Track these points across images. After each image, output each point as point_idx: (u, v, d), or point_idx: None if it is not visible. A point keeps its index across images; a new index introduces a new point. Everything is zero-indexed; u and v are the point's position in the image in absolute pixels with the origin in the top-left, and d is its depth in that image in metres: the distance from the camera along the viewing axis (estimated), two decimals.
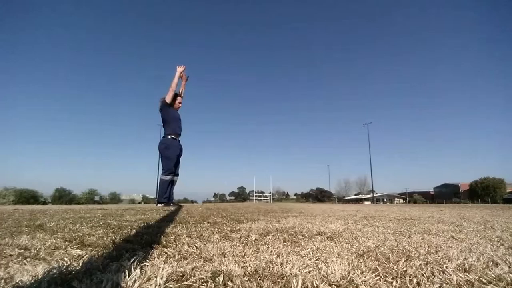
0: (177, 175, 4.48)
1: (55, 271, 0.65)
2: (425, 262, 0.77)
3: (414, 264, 0.74)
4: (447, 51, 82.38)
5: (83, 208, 5.24)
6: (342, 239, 1.18)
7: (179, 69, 4.33)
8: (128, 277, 0.60)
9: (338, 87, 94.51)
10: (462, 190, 47.37)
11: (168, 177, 4.27)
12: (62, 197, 35.73)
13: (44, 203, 31.19)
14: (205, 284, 0.59)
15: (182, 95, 4.55)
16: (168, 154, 4.24)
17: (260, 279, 0.61)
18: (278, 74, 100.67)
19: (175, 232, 1.32)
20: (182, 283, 0.59)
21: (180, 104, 4.49)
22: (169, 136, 4.29)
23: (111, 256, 0.82)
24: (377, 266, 0.72)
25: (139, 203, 40.71)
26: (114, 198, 42.48)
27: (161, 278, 0.60)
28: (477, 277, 0.63)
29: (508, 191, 39.83)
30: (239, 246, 0.99)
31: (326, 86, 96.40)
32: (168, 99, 4.24)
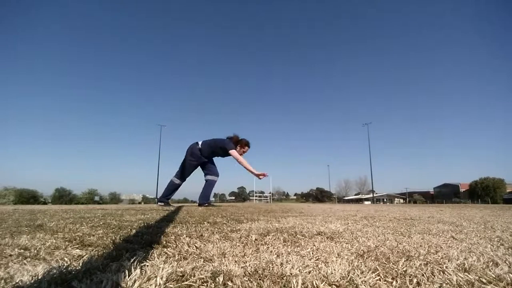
0: (216, 175, 4.52)
1: (55, 271, 0.65)
2: (425, 262, 0.77)
3: (414, 264, 0.74)
4: (447, 51, 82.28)
5: (83, 208, 5.24)
6: (342, 239, 1.18)
7: (260, 174, 4.24)
8: (128, 277, 0.60)
9: (338, 86, 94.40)
10: (462, 190, 47.34)
11: (178, 181, 4.41)
12: (62, 197, 35.69)
13: (44, 203, 31.16)
14: (205, 284, 0.59)
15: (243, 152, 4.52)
16: (188, 160, 4.32)
17: (260, 279, 0.61)
18: (277, 73, 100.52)
19: (175, 232, 1.31)
20: (182, 283, 0.59)
21: (242, 153, 4.49)
22: (200, 146, 4.35)
23: (111, 256, 0.82)
24: (377, 266, 0.71)
25: (139, 203, 40.68)
26: (114, 198, 42.42)
27: (161, 278, 0.60)
28: (477, 277, 0.63)
29: (508, 191, 39.80)
30: (239, 246, 0.99)
31: (326, 86, 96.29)
32: (236, 157, 4.22)
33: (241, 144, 4.44)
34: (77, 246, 0.99)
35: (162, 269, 0.65)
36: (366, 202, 37.67)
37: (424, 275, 0.65)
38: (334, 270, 0.67)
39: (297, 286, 0.57)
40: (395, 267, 0.72)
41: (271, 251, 0.90)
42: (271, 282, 0.60)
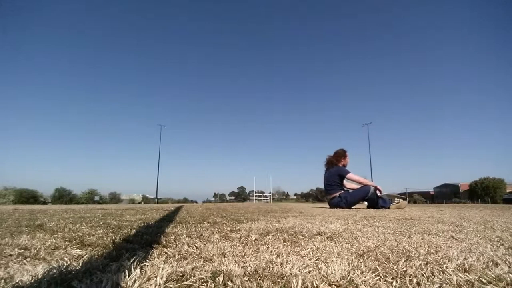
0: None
1: (55, 271, 0.65)
2: (425, 262, 0.77)
3: (414, 264, 0.74)
4: (447, 51, 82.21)
5: (83, 208, 5.24)
6: (342, 239, 1.18)
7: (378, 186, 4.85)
8: (128, 277, 0.60)
9: (338, 86, 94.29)
10: (462, 190, 47.33)
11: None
12: (62, 197, 35.65)
13: (44, 203, 31.15)
14: (205, 284, 0.58)
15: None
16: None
17: (260, 279, 0.61)
18: (277, 73, 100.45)
19: (175, 232, 1.31)
20: (182, 283, 0.58)
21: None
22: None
23: (111, 256, 0.82)
24: (377, 266, 0.71)
25: (139, 203, 40.61)
26: (114, 198, 42.39)
27: (161, 278, 0.60)
28: (477, 277, 0.63)
29: (508, 191, 39.78)
30: (239, 246, 0.99)
31: (326, 86, 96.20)
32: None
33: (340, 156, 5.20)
34: (77, 246, 0.99)
35: (162, 269, 0.65)
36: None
37: (424, 275, 0.65)
38: (334, 270, 0.67)
39: (297, 286, 0.57)
40: (395, 267, 0.72)
41: (271, 251, 0.90)
42: (271, 282, 0.60)
